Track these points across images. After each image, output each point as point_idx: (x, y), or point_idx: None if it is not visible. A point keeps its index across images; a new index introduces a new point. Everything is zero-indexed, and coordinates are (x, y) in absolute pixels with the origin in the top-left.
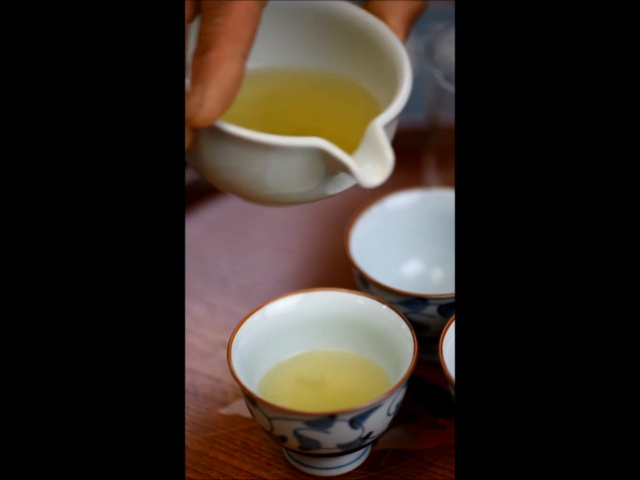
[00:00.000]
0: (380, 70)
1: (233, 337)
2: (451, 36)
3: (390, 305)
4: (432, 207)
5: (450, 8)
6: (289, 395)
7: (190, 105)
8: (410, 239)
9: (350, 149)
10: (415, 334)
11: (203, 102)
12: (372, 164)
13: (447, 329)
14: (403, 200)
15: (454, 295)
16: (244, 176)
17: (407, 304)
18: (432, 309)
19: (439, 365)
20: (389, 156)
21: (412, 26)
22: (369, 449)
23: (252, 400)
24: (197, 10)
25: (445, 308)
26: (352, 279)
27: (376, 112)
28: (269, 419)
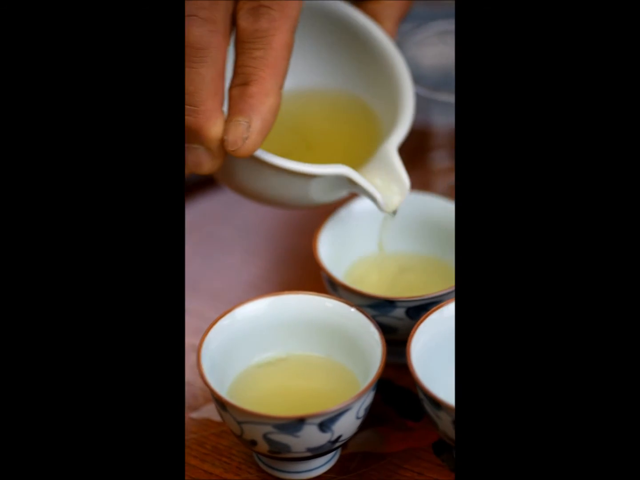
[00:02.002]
0: (382, 85)
1: (203, 341)
2: (417, 38)
3: (359, 308)
4: (400, 209)
5: (419, 8)
6: (258, 399)
7: (237, 137)
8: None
9: (356, 159)
10: (384, 337)
11: (249, 135)
12: (390, 187)
13: (414, 331)
14: (370, 203)
15: (422, 298)
16: (274, 193)
17: (375, 306)
18: (400, 312)
19: (407, 368)
20: (405, 180)
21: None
22: (338, 452)
23: (221, 404)
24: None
25: (413, 310)
26: (322, 282)
27: (376, 126)
28: (239, 423)
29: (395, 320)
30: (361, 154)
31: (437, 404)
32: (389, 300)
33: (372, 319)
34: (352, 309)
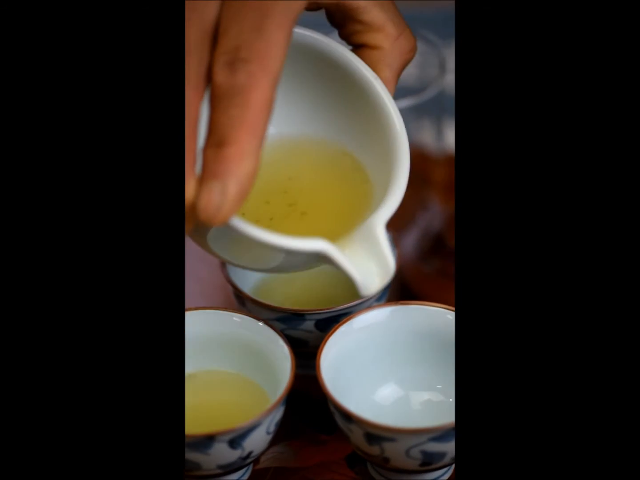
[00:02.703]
0: (375, 143)
1: None
2: None
3: (267, 322)
4: None
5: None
6: None
7: (210, 204)
8: None
9: (339, 228)
10: (294, 350)
11: (223, 202)
12: (371, 269)
13: (324, 344)
14: None
15: (331, 310)
16: (248, 259)
17: (284, 320)
18: (309, 324)
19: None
20: (390, 262)
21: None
22: (250, 468)
23: None
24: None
25: (323, 323)
26: (230, 297)
27: (367, 189)
28: None
29: (305, 333)
30: (350, 219)
31: (348, 417)
32: (297, 313)
33: (281, 332)
34: (260, 323)
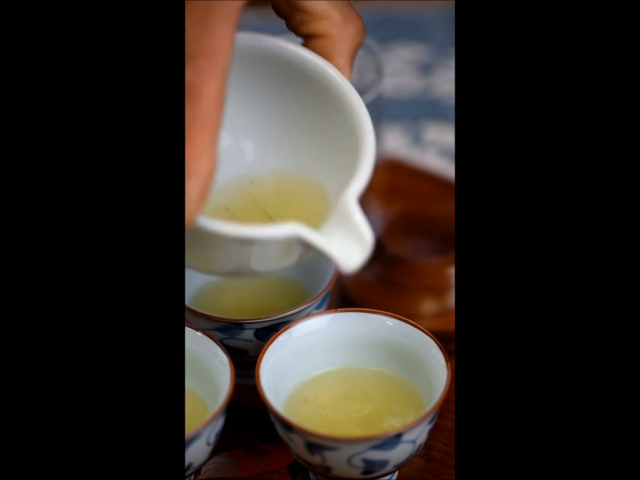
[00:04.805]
0: (340, 132)
1: None
2: None
3: (205, 332)
4: None
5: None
6: None
7: None
8: None
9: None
10: (233, 360)
11: (187, 203)
12: (349, 244)
13: (263, 353)
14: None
15: (270, 319)
16: (218, 261)
17: (223, 329)
18: (248, 334)
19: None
20: (367, 235)
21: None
22: (191, 479)
23: None
24: None
25: (262, 332)
26: None
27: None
28: None
29: (245, 343)
30: (315, 218)
31: (288, 426)
32: (236, 322)
33: (220, 342)
34: (199, 333)
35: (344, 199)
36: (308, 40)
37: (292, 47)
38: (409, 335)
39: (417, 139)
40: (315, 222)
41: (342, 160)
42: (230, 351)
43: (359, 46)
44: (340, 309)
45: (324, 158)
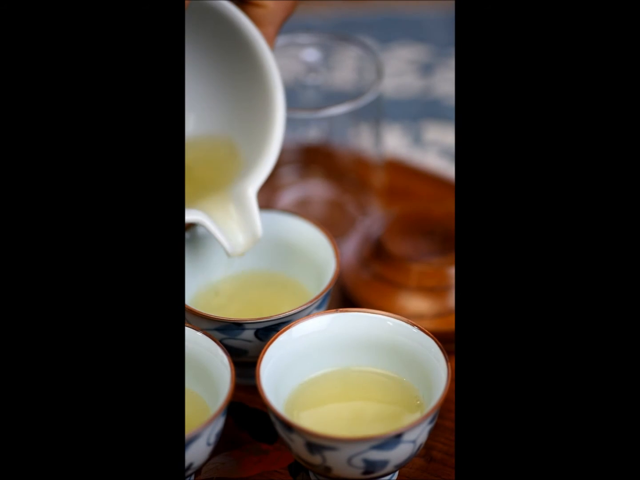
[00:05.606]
0: (257, 108)
1: None
2: (290, 52)
3: (205, 332)
4: None
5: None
6: None
7: None
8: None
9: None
10: (233, 360)
11: None
12: (242, 234)
13: (264, 353)
14: None
15: (270, 319)
16: None
17: (223, 329)
18: (249, 334)
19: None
20: (258, 230)
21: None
22: (192, 479)
23: None
24: None
25: (262, 332)
26: None
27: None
28: None
29: (245, 343)
30: (220, 185)
31: (288, 426)
32: (236, 322)
33: (220, 342)
34: (199, 334)
35: (245, 190)
36: (244, 4)
37: (226, 3)
38: (409, 335)
39: (417, 139)
40: (227, 181)
41: (254, 118)
42: (231, 351)
43: (287, 18)
44: (341, 309)
45: (237, 117)
